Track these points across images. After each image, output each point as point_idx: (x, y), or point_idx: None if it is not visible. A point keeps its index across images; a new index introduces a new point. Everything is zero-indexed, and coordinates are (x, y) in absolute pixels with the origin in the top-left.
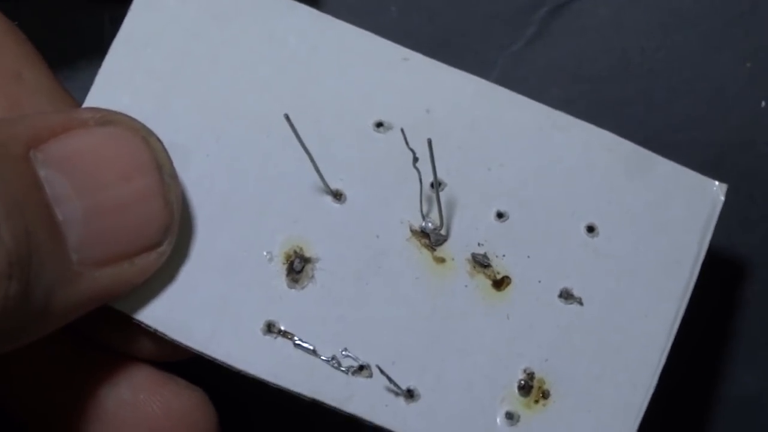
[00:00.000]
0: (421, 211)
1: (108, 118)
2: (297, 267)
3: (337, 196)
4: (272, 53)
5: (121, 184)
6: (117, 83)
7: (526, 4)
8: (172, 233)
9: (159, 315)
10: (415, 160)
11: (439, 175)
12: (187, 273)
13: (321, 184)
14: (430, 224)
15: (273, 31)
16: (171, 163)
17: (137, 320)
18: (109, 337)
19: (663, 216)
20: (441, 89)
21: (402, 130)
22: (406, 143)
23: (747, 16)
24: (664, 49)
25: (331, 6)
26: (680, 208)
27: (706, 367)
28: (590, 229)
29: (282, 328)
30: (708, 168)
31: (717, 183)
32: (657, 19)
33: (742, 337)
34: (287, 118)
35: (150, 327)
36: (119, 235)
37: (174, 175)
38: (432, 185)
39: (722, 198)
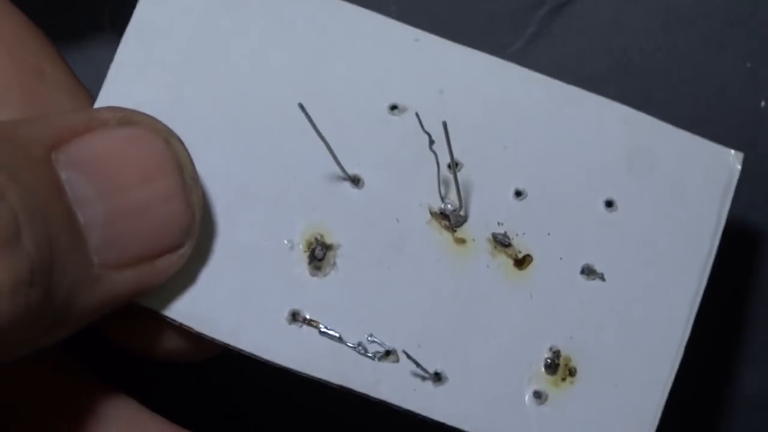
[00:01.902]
0: (440, 193)
1: (129, 119)
2: (319, 255)
3: (355, 181)
4: (283, 40)
5: (143, 186)
6: (129, 76)
7: (526, 4)
8: (194, 234)
9: (184, 309)
10: (431, 143)
11: (456, 156)
12: (209, 266)
13: (338, 170)
14: (449, 206)
15: (282, 18)
16: (192, 164)
17: (163, 315)
18: (130, 337)
19: (680, 187)
20: (453, 68)
21: (417, 114)
22: (422, 127)
23: (747, 16)
24: (664, 49)
25: None
26: (697, 179)
27: (708, 367)
28: (609, 203)
29: (307, 316)
30: None
31: (733, 152)
32: (657, 19)
33: (744, 337)
34: (301, 106)
35: (176, 321)
36: (140, 237)
37: (195, 177)
38: (449, 167)
39: (739, 167)
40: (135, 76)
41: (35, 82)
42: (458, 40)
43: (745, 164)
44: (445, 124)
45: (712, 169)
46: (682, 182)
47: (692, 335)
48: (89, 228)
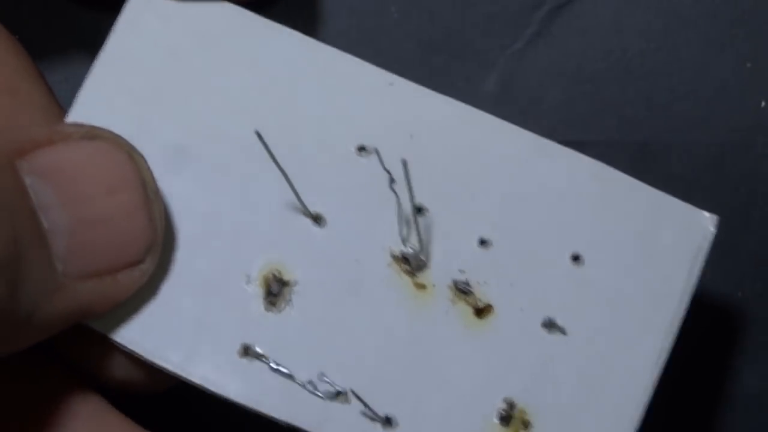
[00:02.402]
0: (401, 234)
1: (93, 133)
2: (274, 290)
3: (318, 220)
4: (256, 77)
5: (106, 197)
6: (98, 104)
7: (526, 4)
8: (156, 250)
9: (135, 336)
10: (392, 181)
11: (422, 201)
12: (164, 294)
13: (302, 207)
14: (410, 249)
15: (258, 56)
16: (154, 180)
17: (112, 340)
18: (84, 356)
19: (651, 247)
20: (426, 114)
21: (377, 151)
22: (382, 165)
23: (747, 16)
24: (665, 49)
25: (331, 6)
26: (669, 239)
27: (708, 367)
28: (575, 258)
29: (259, 351)
30: (708, 169)
31: (707, 214)
32: (657, 19)
33: (744, 337)
34: (258, 135)
35: (126, 348)
36: (104, 248)
37: (157, 192)
38: (419, 210)
39: (713, 230)
40: (103, 103)
41: (7, 100)
42: (458, 40)
43: (746, 164)
44: (404, 163)
45: (686, 231)
46: (654, 242)
47: (692, 336)
48: (53, 234)
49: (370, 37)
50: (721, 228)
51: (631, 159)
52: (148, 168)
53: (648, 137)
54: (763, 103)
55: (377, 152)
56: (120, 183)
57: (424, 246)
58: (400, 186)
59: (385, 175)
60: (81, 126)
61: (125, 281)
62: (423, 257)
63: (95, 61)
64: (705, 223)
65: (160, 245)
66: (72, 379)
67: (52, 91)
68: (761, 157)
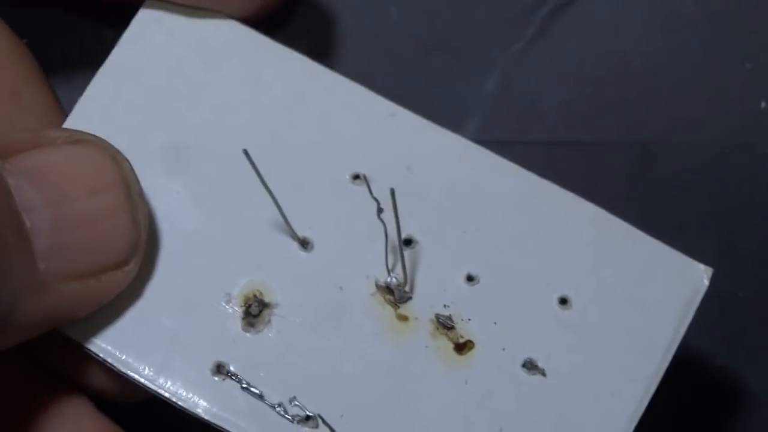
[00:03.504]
0: (386, 264)
1: (77, 138)
2: (254, 311)
3: (305, 244)
4: (256, 97)
5: (89, 198)
6: (96, 113)
7: (526, 5)
8: (139, 252)
9: (109, 346)
10: (380, 210)
11: (413, 233)
12: (142, 306)
13: (289, 230)
14: (394, 279)
15: (260, 76)
16: (138, 182)
17: (87, 349)
18: (62, 363)
19: (641, 296)
20: (425, 147)
21: (365, 177)
22: (370, 193)
23: (747, 17)
24: (665, 50)
25: (333, 7)
26: (661, 289)
27: (708, 367)
28: (563, 301)
29: (231, 369)
30: (708, 169)
31: (702, 267)
32: (657, 20)
33: (744, 337)
34: (246, 153)
35: (99, 357)
36: (86, 248)
37: (141, 194)
38: (407, 243)
39: (706, 282)
40: (101, 113)
41: (8, 104)
42: (458, 40)
43: (746, 164)
44: (392, 192)
45: (679, 282)
46: (645, 291)
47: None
48: (36, 233)
49: (370, 37)
50: (721, 227)
51: (631, 159)
52: (132, 171)
53: (648, 137)
54: (763, 104)
55: (366, 180)
56: (103, 184)
57: (409, 277)
58: (391, 216)
59: (383, 205)
60: (66, 131)
61: (108, 283)
62: (407, 289)
63: (97, 72)
64: (699, 276)
65: (143, 247)
66: (56, 382)
67: (57, 97)
68: (761, 157)
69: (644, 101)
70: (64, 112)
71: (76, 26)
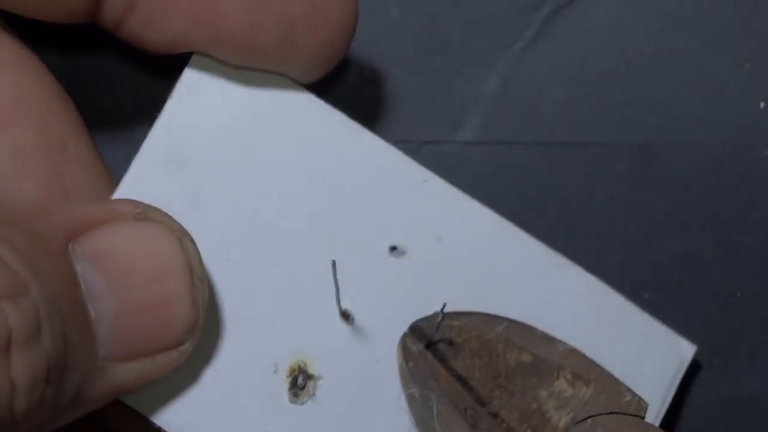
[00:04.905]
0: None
1: (145, 215)
2: (300, 384)
3: (346, 316)
4: (302, 160)
5: (153, 284)
6: (151, 172)
7: (526, 6)
8: (196, 334)
9: (167, 415)
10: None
11: (437, 307)
12: (196, 376)
13: (333, 302)
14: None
15: (305, 136)
16: (202, 265)
17: (148, 418)
18: (121, 425)
19: (633, 367)
20: (454, 217)
21: (333, 263)
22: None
23: (746, 17)
24: (664, 50)
25: None
26: (651, 362)
27: (708, 367)
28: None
29: None
30: (708, 169)
31: (685, 342)
32: (657, 21)
33: (744, 337)
34: (333, 264)
35: (155, 425)
36: (146, 333)
37: (204, 278)
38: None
39: (690, 357)
40: (157, 172)
41: (58, 155)
42: (458, 40)
43: (745, 164)
44: (334, 263)
45: (666, 356)
46: (637, 363)
47: (692, 336)
48: (99, 323)
49: (370, 37)
50: (721, 228)
51: (631, 159)
52: (197, 253)
53: (648, 137)
54: (762, 104)
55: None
56: (168, 270)
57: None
58: (431, 289)
59: (415, 279)
60: (135, 205)
61: (164, 361)
62: None
63: (150, 131)
64: (683, 352)
65: (200, 329)
66: None
67: (98, 149)
68: (760, 157)
69: (644, 101)
70: (105, 165)
71: (107, 70)
